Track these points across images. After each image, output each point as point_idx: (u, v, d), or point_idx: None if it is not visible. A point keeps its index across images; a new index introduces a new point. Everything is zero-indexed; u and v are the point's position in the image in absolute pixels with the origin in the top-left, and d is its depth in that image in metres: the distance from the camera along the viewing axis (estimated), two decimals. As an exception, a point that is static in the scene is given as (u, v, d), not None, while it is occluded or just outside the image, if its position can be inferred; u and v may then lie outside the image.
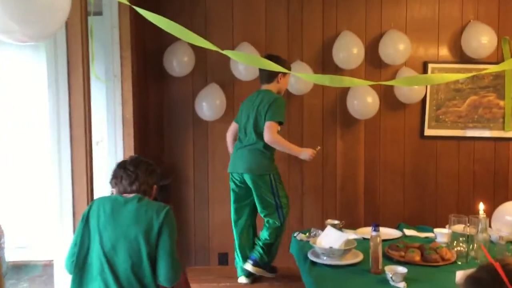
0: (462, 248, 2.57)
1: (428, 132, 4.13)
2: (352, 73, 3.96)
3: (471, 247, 2.59)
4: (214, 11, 4.09)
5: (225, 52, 1.83)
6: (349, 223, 4.05)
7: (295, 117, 4.13)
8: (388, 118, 4.15)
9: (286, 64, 3.37)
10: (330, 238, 2.64)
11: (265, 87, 3.60)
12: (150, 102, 4.08)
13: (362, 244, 2.76)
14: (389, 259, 2.55)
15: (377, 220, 4.15)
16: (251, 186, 3.54)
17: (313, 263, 2.58)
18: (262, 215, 3.62)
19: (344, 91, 4.06)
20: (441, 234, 2.86)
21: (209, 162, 4.14)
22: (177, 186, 4.12)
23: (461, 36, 4.02)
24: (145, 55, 4.03)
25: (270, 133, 3.37)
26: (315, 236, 2.94)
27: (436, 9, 4.10)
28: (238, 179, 3.61)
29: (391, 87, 4.01)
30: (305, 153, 3.47)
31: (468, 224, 2.69)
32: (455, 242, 2.63)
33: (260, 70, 3.60)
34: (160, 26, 1.71)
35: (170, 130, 4.13)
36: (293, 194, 4.10)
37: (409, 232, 3.14)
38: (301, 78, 3.74)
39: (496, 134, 4.10)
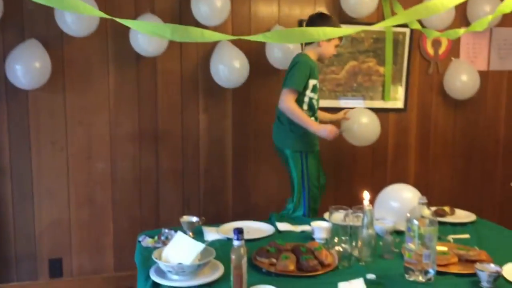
0: (343, 248, 2.09)
1: (304, 102, 3.61)
2: (217, 30, 3.21)
3: (354, 244, 2.12)
4: None
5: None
6: (214, 215, 3.46)
7: (146, 85, 3.32)
8: (259, 87, 3.53)
9: (330, 22, 2.87)
10: (181, 250, 1.97)
11: (304, 50, 3.01)
12: None
13: (226, 247, 2.10)
14: (258, 270, 1.98)
15: (248, 207, 3.57)
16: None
17: (156, 285, 1.87)
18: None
19: (207, 54, 3.34)
20: (319, 229, 2.37)
21: (32, 144, 3.16)
22: (-14, 179, 3.10)
23: (339, -8, 3.50)
24: None
25: (283, 99, 2.88)
26: (167, 240, 2.30)
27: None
28: None
29: (263, 50, 3.38)
30: (325, 130, 2.86)
31: (351, 213, 2.20)
32: (336, 238, 2.15)
33: None
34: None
35: (-29, 103, 3.06)
36: (146, 181, 3.34)
37: (282, 226, 2.59)
38: (152, 36, 2.91)
39: (375, 105, 3.71)
